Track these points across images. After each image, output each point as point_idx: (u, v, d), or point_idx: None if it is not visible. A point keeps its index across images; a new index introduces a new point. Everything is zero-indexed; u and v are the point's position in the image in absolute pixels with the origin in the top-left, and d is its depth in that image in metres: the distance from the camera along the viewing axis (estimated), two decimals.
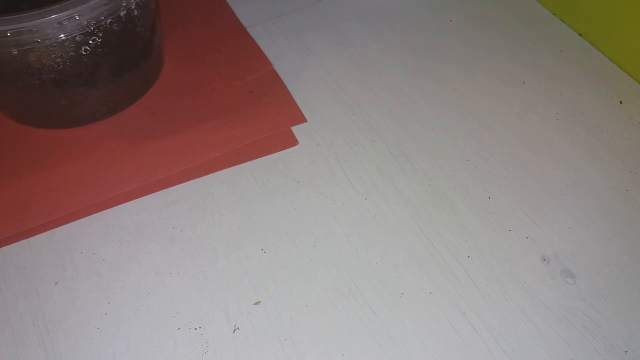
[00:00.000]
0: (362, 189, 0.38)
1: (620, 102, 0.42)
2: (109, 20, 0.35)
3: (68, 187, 0.37)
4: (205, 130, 0.41)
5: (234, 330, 0.32)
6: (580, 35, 0.47)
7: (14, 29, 0.32)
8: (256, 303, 0.33)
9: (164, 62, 0.45)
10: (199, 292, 0.33)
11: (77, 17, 0.33)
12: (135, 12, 0.37)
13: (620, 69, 0.45)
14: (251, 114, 0.41)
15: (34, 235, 0.36)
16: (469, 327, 0.32)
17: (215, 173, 0.39)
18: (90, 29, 0.34)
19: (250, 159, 0.39)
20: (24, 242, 0.35)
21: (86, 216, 0.36)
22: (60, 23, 0.33)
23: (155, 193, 0.38)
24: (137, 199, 0.37)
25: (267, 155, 0.40)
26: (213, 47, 0.46)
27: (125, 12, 0.36)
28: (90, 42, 0.35)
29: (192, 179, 0.38)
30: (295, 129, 0.41)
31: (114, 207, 0.37)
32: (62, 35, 0.33)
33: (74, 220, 0.36)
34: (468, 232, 0.35)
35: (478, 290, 0.33)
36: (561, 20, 0.49)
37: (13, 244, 0.35)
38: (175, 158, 0.39)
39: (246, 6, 0.50)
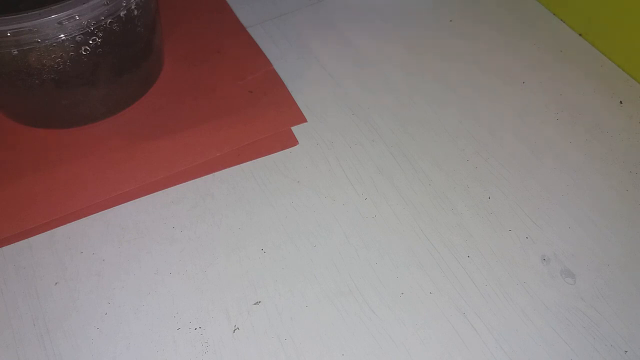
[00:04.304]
0: (362, 189, 0.38)
1: (620, 102, 0.42)
2: (109, 20, 0.35)
3: (68, 187, 0.37)
4: (205, 130, 0.41)
5: (234, 330, 0.32)
6: (580, 35, 0.47)
7: (14, 29, 0.32)
8: (256, 303, 0.33)
9: (164, 62, 0.45)
10: (199, 292, 0.33)
11: (77, 17, 0.33)
12: (135, 12, 0.37)
13: (620, 69, 0.44)
14: (251, 114, 0.41)
15: (34, 235, 0.35)
16: (469, 327, 0.32)
17: (215, 173, 0.39)
18: (90, 29, 0.34)
19: (250, 159, 0.39)
20: (24, 242, 0.35)
21: (86, 216, 0.36)
22: (60, 23, 0.33)
23: (155, 193, 0.38)
24: (137, 199, 0.37)
25: (267, 155, 0.40)
26: (213, 47, 0.46)
27: (125, 12, 0.36)
28: (90, 42, 0.35)
29: (192, 179, 0.38)
30: (295, 129, 0.41)
31: (114, 207, 0.37)
32: (62, 35, 0.33)
33: (74, 220, 0.36)
34: (468, 232, 0.35)
35: (478, 290, 0.33)
36: (561, 20, 0.49)
37: (13, 244, 0.35)
38: (175, 158, 0.39)
39: (246, 6, 0.50)
